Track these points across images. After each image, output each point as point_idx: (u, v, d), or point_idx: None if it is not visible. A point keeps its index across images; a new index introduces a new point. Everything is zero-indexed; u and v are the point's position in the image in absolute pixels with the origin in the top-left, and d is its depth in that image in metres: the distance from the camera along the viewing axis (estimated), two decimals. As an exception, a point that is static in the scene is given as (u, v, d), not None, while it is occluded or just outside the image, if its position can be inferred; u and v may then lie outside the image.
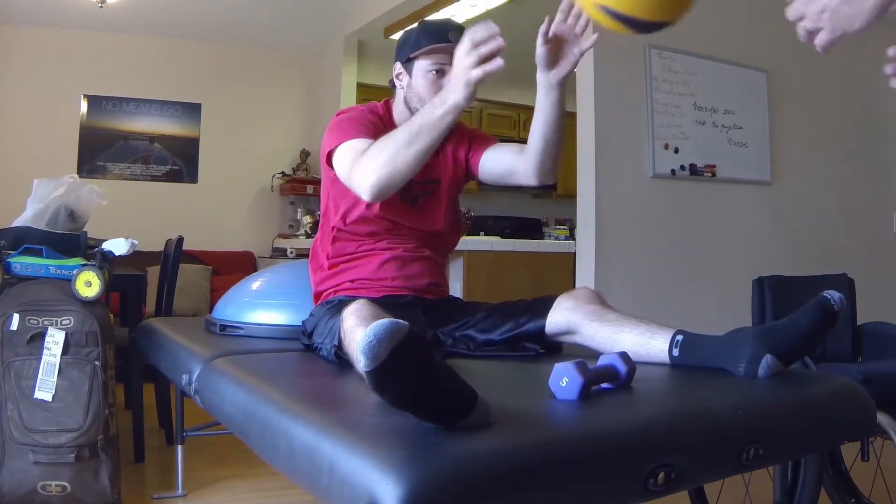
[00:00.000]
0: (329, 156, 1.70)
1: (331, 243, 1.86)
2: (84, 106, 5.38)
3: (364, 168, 1.53)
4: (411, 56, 1.76)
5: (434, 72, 1.74)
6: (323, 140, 1.75)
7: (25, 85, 5.19)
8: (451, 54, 1.56)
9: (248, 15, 5.34)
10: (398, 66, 1.81)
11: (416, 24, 1.80)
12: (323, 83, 5.84)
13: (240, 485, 2.58)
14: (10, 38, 5.15)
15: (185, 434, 2.46)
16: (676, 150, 3.55)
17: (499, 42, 1.38)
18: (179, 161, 5.66)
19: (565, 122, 1.71)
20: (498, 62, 1.39)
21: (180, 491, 2.46)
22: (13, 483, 2.10)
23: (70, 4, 4.92)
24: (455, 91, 1.44)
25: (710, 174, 3.64)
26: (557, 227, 6.24)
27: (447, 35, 1.71)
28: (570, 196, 4.18)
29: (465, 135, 1.92)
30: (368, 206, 1.73)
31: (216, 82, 5.71)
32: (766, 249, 3.78)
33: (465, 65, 1.40)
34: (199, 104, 5.67)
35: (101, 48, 5.38)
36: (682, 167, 3.57)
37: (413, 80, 1.77)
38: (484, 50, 1.38)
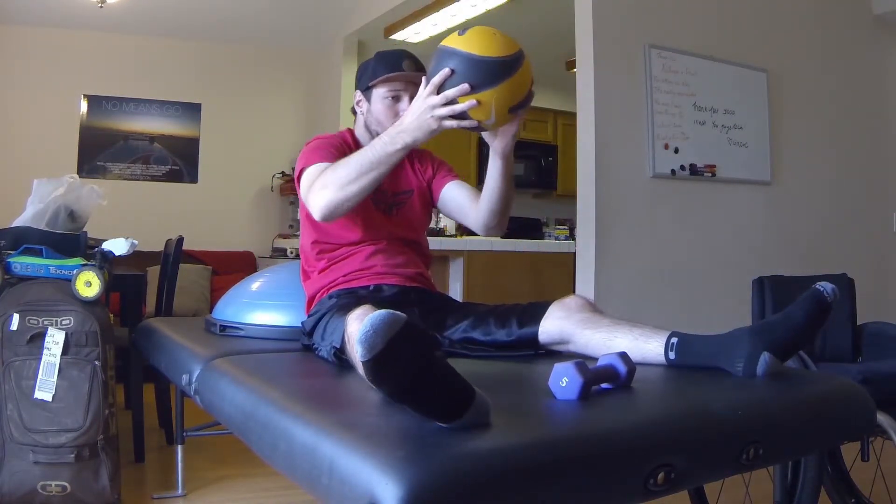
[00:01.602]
0: (299, 178, 1.82)
1: (316, 253, 1.93)
2: (84, 106, 5.38)
3: (318, 192, 1.66)
4: (369, 85, 1.90)
5: (390, 98, 1.89)
6: (296, 164, 1.87)
7: (25, 85, 5.19)
8: (405, 81, 1.85)
9: (249, 15, 5.34)
10: (358, 94, 1.96)
11: (373, 55, 1.96)
12: (323, 83, 5.84)
13: (240, 485, 2.58)
14: (10, 38, 5.15)
15: (185, 434, 2.46)
16: (676, 150, 3.55)
17: (472, 103, 1.46)
18: (179, 161, 5.66)
19: (513, 188, 1.87)
20: (472, 122, 1.49)
21: (180, 491, 2.46)
22: (13, 483, 2.10)
23: (70, 4, 4.92)
24: (413, 133, 1.54)
25: (710, 174, 3.64)
26: (557, 227, 6.24)
27: (401, 64, 1.88)
28: (570, 196, 4.18)
29: (428, 157, 2.08)
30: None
31: (216, 82, 5.72)
32: (766, 249, 3.78)
33: (434, 111, 1.49)
34: (199, 104, 5.68)
35: (101, 48, 5.38)
36: (682, 167, 3.57)
37: (372, 106, 1.91)
38: (458, 108, 1.46)
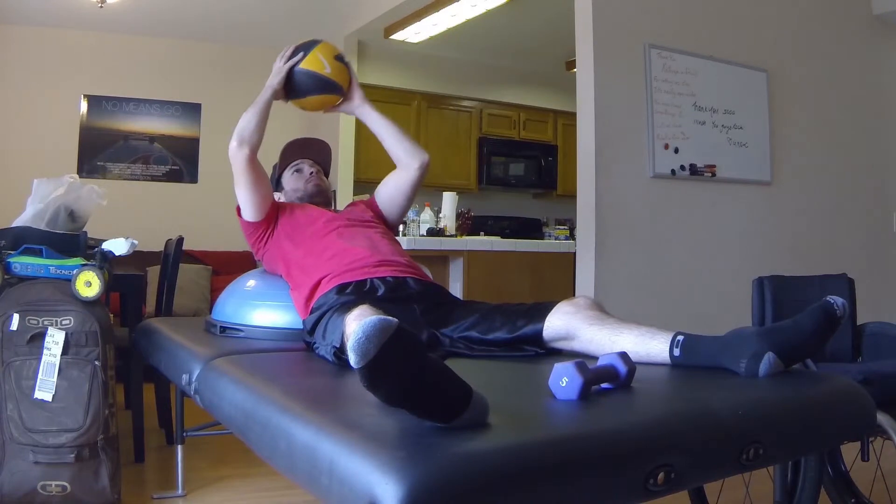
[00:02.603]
0: (238, 211, 2.19)
1: (300, 268, 2.02)
2: (84, 106, 5.38)
3: (230, 147, 2.15)
4: (280, 174, 2.39)
5: (294, 171, 2.37)
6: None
7: (25, 85, 5.19)
8: (301, 159, 2.40)
9: (248, 15, 5.34)
10: (278, 185, 2.38)
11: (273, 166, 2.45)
12: (323, 83, 5.83)
13: (240, 485, 2.58)
14: (10, 38, 5.15)
15: (185, 434, 2.46)
16: (676, 150, 3.55)
17: (296, 57, 2.21)
18: (179, 161, 5.66)
19: (390, 124, 2.30)
20: (295, 59, 2.20)
21: (180, 491, 2.46)
22: (13, 483, 2.10)
23: (70, 4, 4.92)
24: (271, 79, 2.22)
25: (710, 174, 3.64)
26: (557, 227, 6.24)
27: (299, 151, 2.41)
28: (570, 196, 4.18)
29: (358, 204, 2.41)
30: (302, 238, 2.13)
31: (216, 82, 5.71)
32: (766, 249, 3.78)
33: (277, 65, 2.23)
34: (199, 104, 5.68)
35: (101, 48, 5.38)
36: (682, 167, 3.57)
37: (286, 184, 2.37)
38: (287, 54, 2.21)
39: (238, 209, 2.18)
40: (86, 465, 2.13)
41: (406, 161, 2.27)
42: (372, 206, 2.34)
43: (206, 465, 2.77)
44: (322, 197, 2.34)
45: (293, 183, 2.35)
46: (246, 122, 2.17)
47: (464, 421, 1.03)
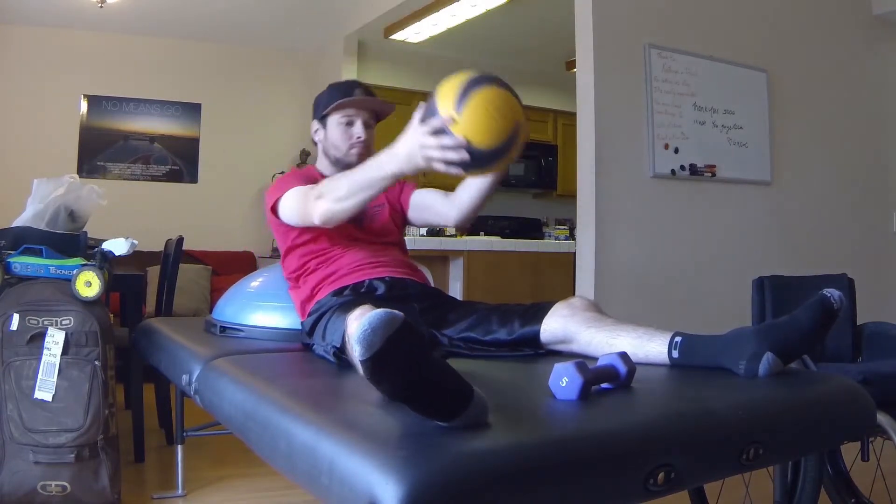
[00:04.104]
0: (274, 208, 1.91)
1: (300, 266, 1.97)
2: (84, 106, 5.38)
3: (315, 201, 1.73)
4: (324, 113, 2.02)
5: (344, 123, 2.01)
6: (265, 201, 1.98)
7: (25, 85, 5.19)
8: (357, 107, 1.99)
9: (248, 15, 5.34)
10: (315, 124, 2.07)
11: (326, 87, 2.10)
12: (323, 83, 5.78)
13: (240, 485, 2.58)
14: (10, 38, 5.15)
15: (185, 434, 2.46)
16: (676, 150, 3.55)
17: (464, 156, 1.44)
18: (179, 161, 5.66)
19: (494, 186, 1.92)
20: (458, 171, 1.49)
21: (180, 491, 2.46)
22: (13, 483, 2.10)
23: (70, 4, 4.92)
24: (401, 163, 1.53)
25: (710, 174, 3.64)
26: (557, 227, 6.25)
27: (353, 92, 2.01)
28: (570, 196, 4.17)
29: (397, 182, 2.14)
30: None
31: (216, 82, 5.71)
32: (766, 249, 3.78)
33: (424, 150, 1.47)
34: (199, 104, 5.68)
35: (101, 48, 5.38)
36: (682, 167, 3.57)
37: (328, 132, 2.03)
38: (452, 156, 1.44)
39: (273, 208, 1.93)
40: (86, 465, 2.13)
41: (460, 214, 1.99)
42: (405, 192, 2.13)
43: (206, 465, 2.77)
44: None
45: (337, 135, 2.01)
46: (349, 204, 1.67)
47: (464, 420, 1.03)
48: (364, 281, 1.88)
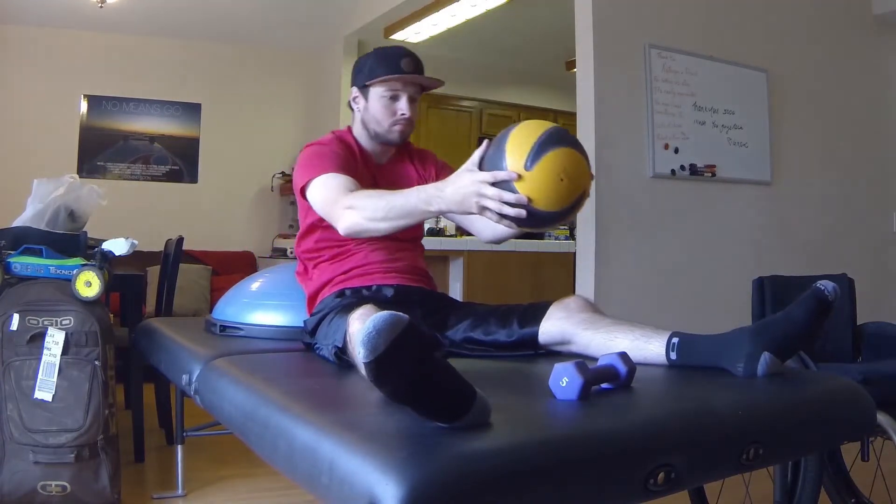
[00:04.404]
0: (303, 189, 1.81)
1: (315, 251, 1.93)
2: (84, 106, 5.38)
3: (345, 210, 1.64)
4: (367, 83, 1.87)
5: (388, 97, 1.86)
6: (295, 173, 1.87)
7: (25, 85, 5.19)
8: (402, 82, 1.84)
9: (248, 15, 5.34)
10: (354, 91, 1.92)
11: (372, 52, 1.92)
12: (323, 83, 5.84)
13: (240, 485, 2.58)
14: (10, 38, 5.15)
15: (185, 434, 2.46)
16: (676, 150, 3.55)
17: (522, 214, 1.39)
18: (179, 161, 5.66)
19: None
20: (510, 224, 1.44)
21: (180, 491, 2.46)
22: (13, 483, 2.10)
23: (70, 4, 4.92)
24: (451, 204, 1.46)
25: (710, 174, 3.64)
26: (557, 226, 6.24)
27: (400, 64, 1.85)
28: (570, 196, 4.16)
29: (431, 160, 2.06)
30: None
31: (216, 82, 5.72)
32: (766, 249, 3.78)
33: (481, 198, 1.41)
34: (199, 104, 5.68)
35: (101, 48, 5.38)
36: (682, 167, 3.57)
37: (369, 104, 1.89)
38: (509, 212, 1.39)
39: (303, 191, 1.82)
40: (86, 465, 2.13)
41: (494, 237, 1.93)
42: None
43: (206, 465, 2.77)
44: (397, 146, 1.96)
45: (379, 110, 1.87)
46: (383, 227, 1.60)
47: (466, 422, 1.03)
48: (372, 286, 1.85)
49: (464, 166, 1.46)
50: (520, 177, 1.37)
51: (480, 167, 1.43)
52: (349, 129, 2.00)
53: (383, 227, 1.59)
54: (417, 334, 1.00)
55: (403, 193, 1.57)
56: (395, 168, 2.00)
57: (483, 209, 1.41)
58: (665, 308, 3.46)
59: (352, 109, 1.97)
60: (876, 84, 4.31)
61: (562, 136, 1.42)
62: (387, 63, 1.86)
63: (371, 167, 1.94)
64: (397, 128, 1.89)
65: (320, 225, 1.88)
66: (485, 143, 1.45)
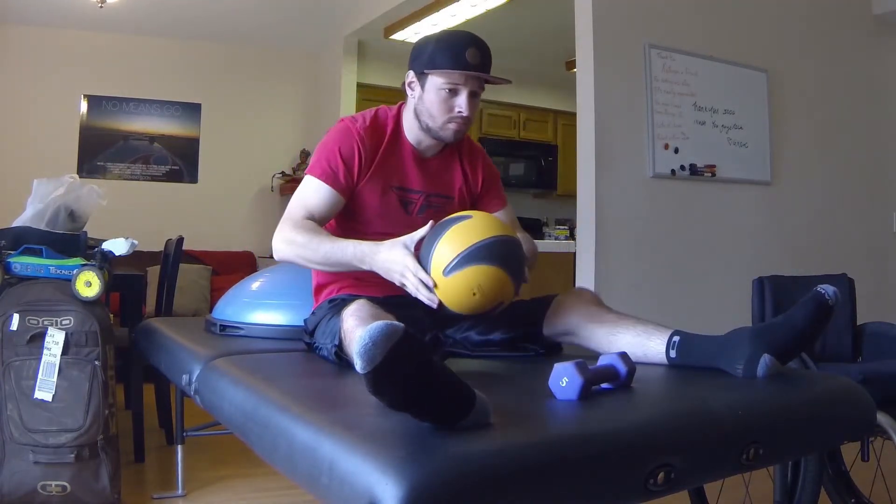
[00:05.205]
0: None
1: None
2: (84, 106, 5.38)
3: (283, 238, 1.68)
4: (426, 71, 1.71)
5: (447, 90, 1.70)
6: (316, 152, 1.81)
7: (25, 85, 5.19)
8: (468, 80, 1.69)
9: (249, 15, 5.34)
10: (411, 75, 1.76)
11: (436, 34, 1.75)
12: (323, 83, 5.84)
13: (240, 485, 2.58)
14: (10, 38, 5.15)
15: (185, 434, 2.46)
16: (676, 150, 3.55)
17: (433, 306, 1.51)
18: (179, 161, 5.65)
19: (534, 255, 1.81)
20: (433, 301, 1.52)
21: (180, 491, 2.46)
22: (13, 483, 2.10)
23: (70, 4, 4.92)
24: (379, 270, 1.57)
25: (710, 174, 3.64)
26: (557, 227, 6.24)
27: (465, 57, 1.67)
28: (570, 196, 4.17)
29: (481, 162, 1.94)
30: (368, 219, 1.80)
31: (216, 82, 5.71)
32: (766, 249, 3.78)
33: (404, 277, 1.52)
34: (199, 104, 5.67)
35: (101, 48, 5.38)
36: (682, 167, 3.57)
37: (425, 94, 1.73)
38: (423, 300, 1.51)
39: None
40: (86, 465, 2.13)
41: None
42: (489, 205, 1.93)
43: (206, 465, 2.77)
44: (450, 143, 1.82)
45: (436, 103, 1.71)
46: (306, 265, 1.69)
47: (466, 425, 1.03)
48: (379, 297, 1.70)
49: (403, 239, 1.53)
50: (436, 285, 1.48)
51: (418, 246, 1.52)
52: (399, 110, 1.84)
53: (314, 267, 1.69)
54: (414, 342, 1.00)
55: (342, 246, 1.62)
56: (442, 166, 1.86)
57: (402, 286, 1.53)
58: (665, 308, 3.46)
59: (405, 92, 1.81)
60: (876, 84, 4.31)
61: (492, 252, 1.46)
62: (450, 53, 1.67)
63: (415, 160, 1.82)
64: (452, 126, 1.73)
65: (340, 224, 1.82)
66: (430, 224, 1.53)
